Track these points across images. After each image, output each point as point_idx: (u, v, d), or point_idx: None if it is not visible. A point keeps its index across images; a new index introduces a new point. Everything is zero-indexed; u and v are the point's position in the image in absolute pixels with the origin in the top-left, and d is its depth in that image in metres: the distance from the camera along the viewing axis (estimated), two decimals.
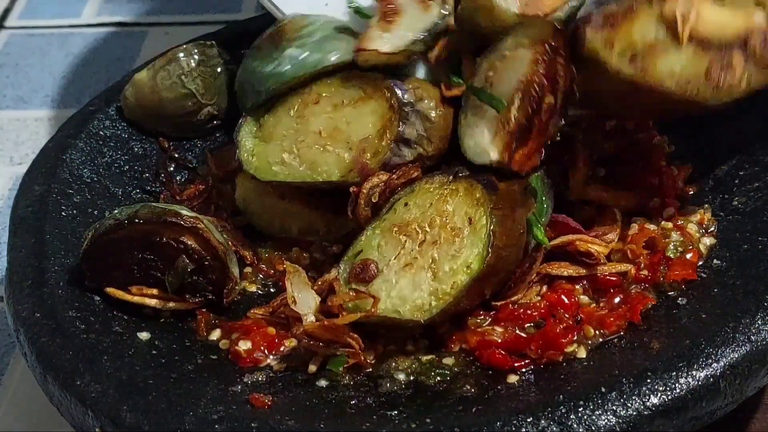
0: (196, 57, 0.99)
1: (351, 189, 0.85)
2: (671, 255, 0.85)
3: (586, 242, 0.84)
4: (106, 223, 0.84)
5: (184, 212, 0.85)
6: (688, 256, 0.84)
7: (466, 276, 0.79)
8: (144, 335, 0.83)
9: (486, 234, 0.79)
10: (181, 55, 0.98)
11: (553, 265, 0.83)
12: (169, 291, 0.85)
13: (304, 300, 0.80)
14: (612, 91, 0.82)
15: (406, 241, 0.81)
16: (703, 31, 0.81)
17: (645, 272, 0.84)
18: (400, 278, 0.80)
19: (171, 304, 0.85)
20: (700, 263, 0.84)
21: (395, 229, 0.82)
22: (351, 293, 0.80)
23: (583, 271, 0.83)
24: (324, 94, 0.89)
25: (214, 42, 1.01)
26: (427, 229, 0.81)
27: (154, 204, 0.87)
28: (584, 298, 0.83)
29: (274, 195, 0.91)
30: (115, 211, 0.86)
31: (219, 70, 0.99)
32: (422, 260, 0.80)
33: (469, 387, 0.77)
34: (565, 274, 0.83)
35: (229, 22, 1.18)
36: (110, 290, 0.85)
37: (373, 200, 0.84)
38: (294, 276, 0.81)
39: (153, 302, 0.85)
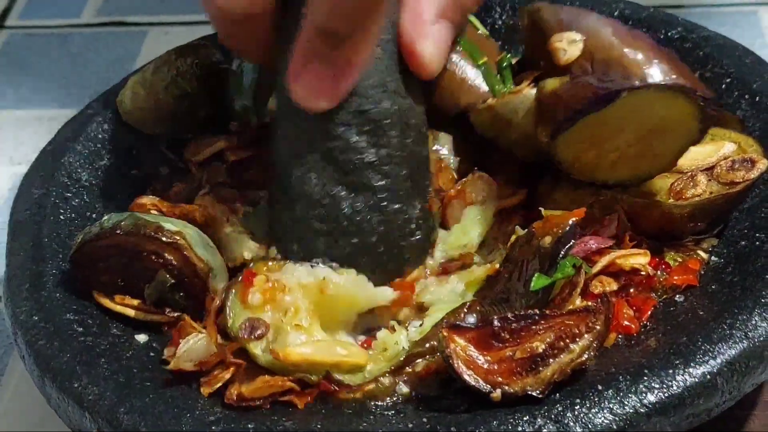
0: (190, 58, 0.98)
1: None
2: (670, 262, 0.84)
3: (626, 257, 0.81)
4: (93, 230, 0.84)
5: (167, 226, 0.83)
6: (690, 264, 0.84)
7: None
8: (141, 337, 0.83)
9: None
10: (176, 56, 0.98)
11: (603, 281, 0.81)
12: (147, 303, 0.84)
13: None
14: None
15: None
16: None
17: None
18: None
19: (150, 316, 0.84)
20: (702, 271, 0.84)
21: None
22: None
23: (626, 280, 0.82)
24: None
25: (208, 43, 1.01)
26: None
27: (140, 214, 0.85)
28: None
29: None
30: (104, 218, 0.85)
31: (214, 69, 0.99)
32: None
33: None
34: (615, 288, 0.81)
35: None
36: (96, 295, 0.84)
37: None
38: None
39: (133, 313, 0.84)
